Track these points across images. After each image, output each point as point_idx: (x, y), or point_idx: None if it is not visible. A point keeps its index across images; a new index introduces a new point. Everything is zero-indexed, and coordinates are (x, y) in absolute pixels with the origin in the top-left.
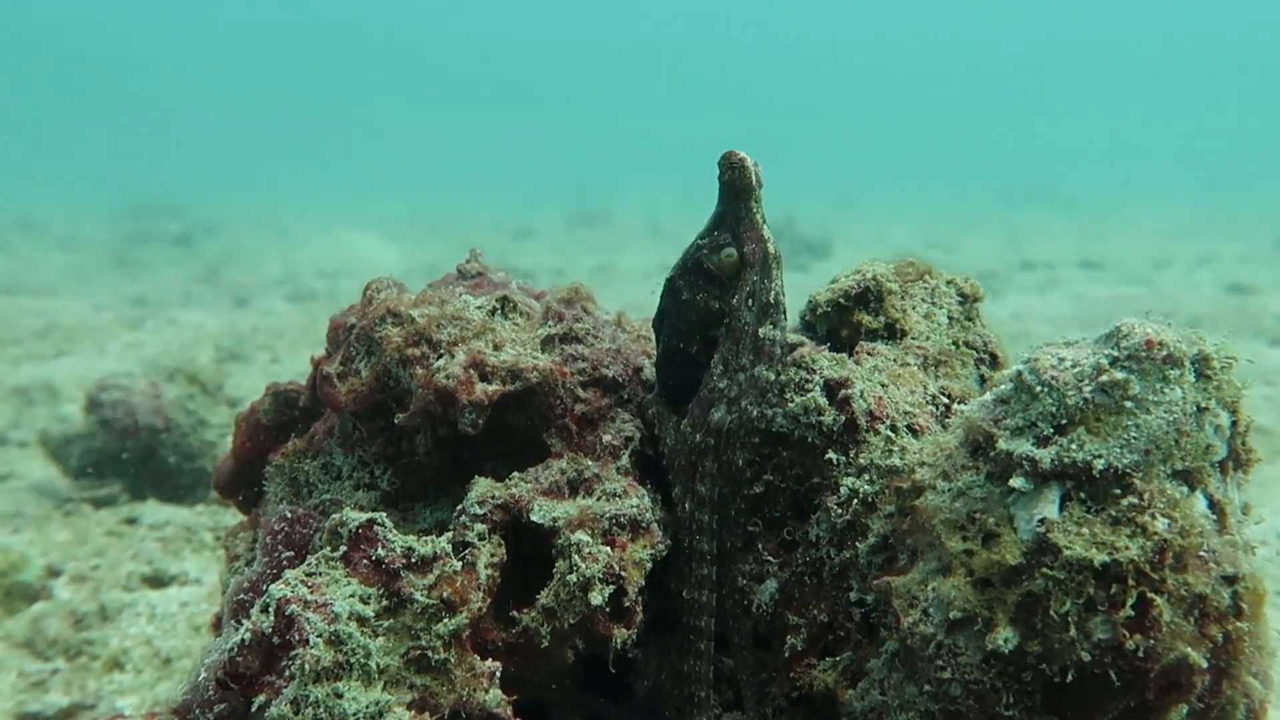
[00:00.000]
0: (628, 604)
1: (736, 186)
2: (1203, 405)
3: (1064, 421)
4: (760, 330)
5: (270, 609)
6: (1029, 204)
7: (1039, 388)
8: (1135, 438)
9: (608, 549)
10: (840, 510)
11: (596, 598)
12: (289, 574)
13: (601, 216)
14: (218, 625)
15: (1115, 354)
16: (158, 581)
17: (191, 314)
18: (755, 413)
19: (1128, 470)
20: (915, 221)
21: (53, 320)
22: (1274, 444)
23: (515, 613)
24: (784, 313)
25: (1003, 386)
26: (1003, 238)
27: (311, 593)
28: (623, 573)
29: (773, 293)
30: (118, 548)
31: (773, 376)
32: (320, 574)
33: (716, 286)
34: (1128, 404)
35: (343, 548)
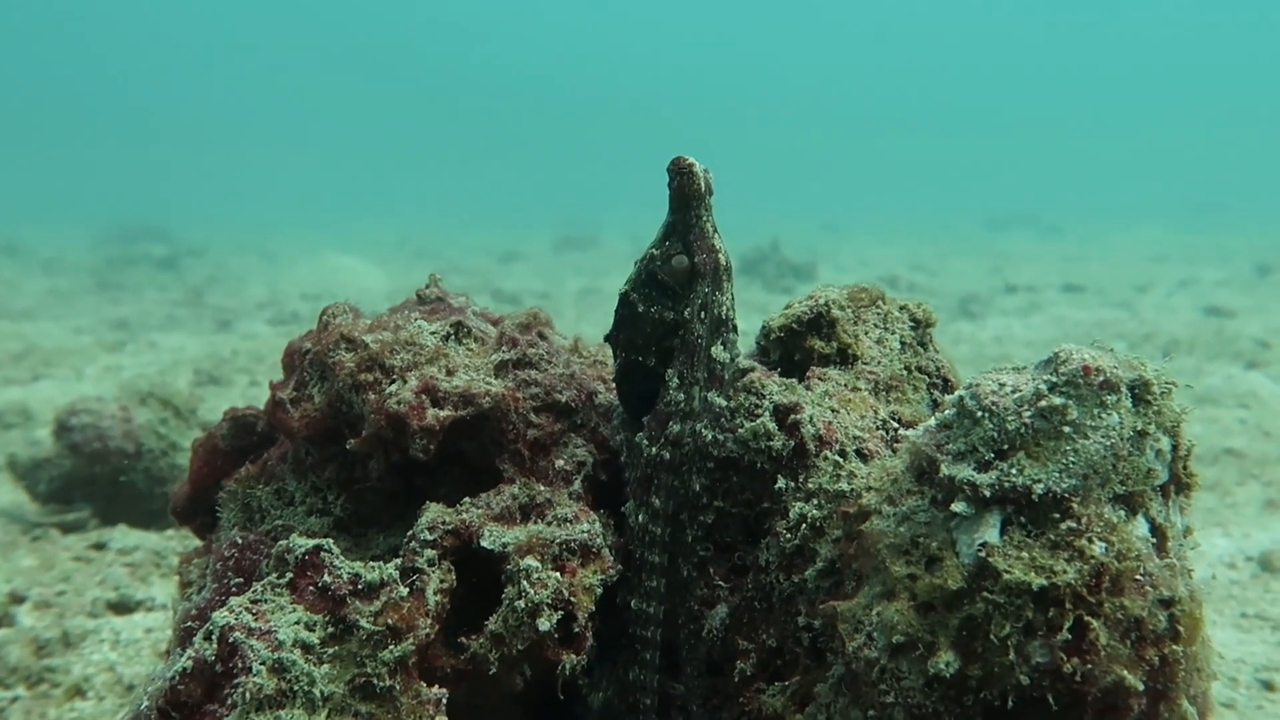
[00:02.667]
0: (577, 629)
1: (685, 193)
2: (1142, 430)
3: (1004, 447)
4: (712, 350)
5: (213, 636)
6: (1014, 228)
7: (980, 413)
8: (1074, 463)
9: (557, 575)
10: (789, 535)
11: (545, 624)
12: (233, 601)
13: (588, 239)
14: (170, 653)
15: (1054, 380)
16: (123, 607)
17: (172, 337)
18: (709, 437)
19: (1066, 495)
20: (900, 245)
21: (31, 343)
22: (1246, 466)
23: (464, 639)
24: (734, 330)
25: (946, 411)
26: (987, 261)
27: (255, 620)
28: (572, 598)
29: (724, 307)
30: (84, 573)
31: (724, 402)
32: (265, 601)
33: (669, 297)
34: (1066, 429)
35: (289, 574)
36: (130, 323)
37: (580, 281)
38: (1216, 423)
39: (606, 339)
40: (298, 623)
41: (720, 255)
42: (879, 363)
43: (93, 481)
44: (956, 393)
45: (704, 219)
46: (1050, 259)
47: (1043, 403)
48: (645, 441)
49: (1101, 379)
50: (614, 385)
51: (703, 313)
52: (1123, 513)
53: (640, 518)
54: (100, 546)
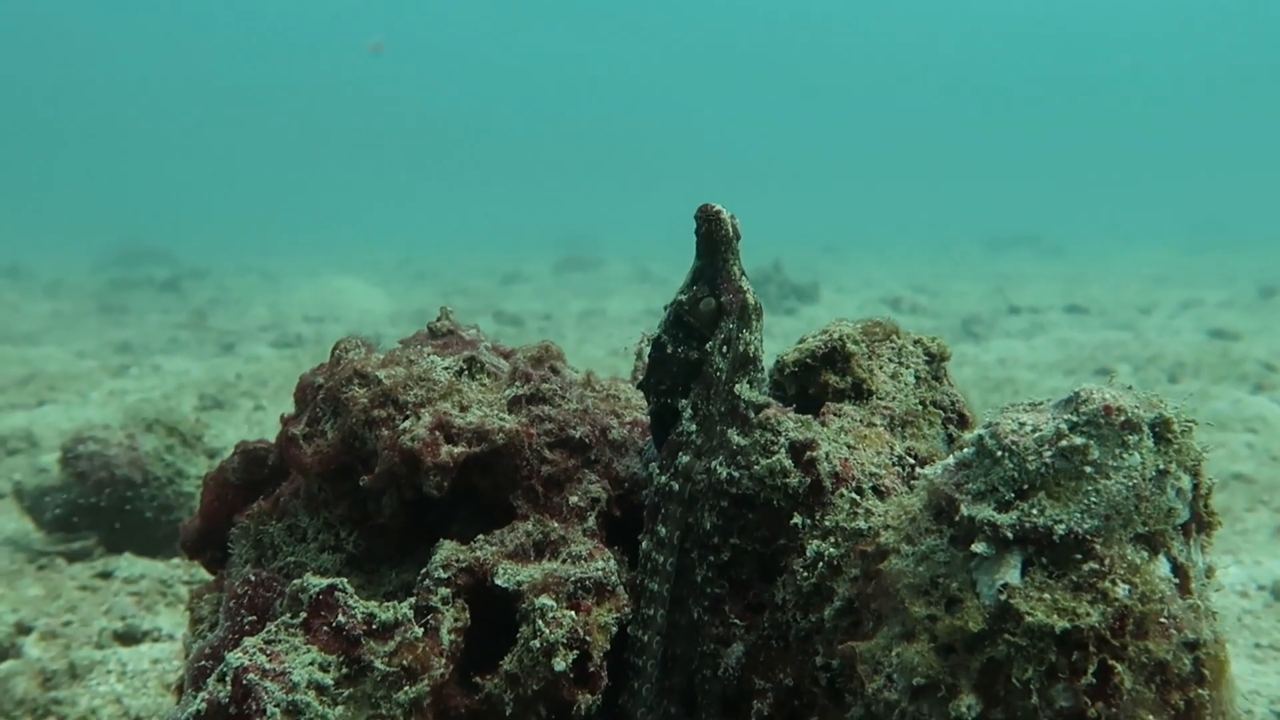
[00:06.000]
0: (592, 669)
1: (713, 239)
2: (1163, 469)
3: (1025, 486)
4: (737, 387)
5: (227, 678)
6: (1015, 249)
7: (1000, 452)
8: (1095, 503)
9: (572, 613)
10: (806, 573)
11: (560, 663)
12: (247, 642)
13: (590, 261)
14: (182, 690)
15: (1075, 419)
16: (130, 638)
17: (176, 361)
18: (724, 474)
19: (1088, 536)
20: (901, 266)
21: (36, 368)
22: (1255, 492)
23: (478, 679)
24: (762, 369)
25: (965, 450)
26: (988, 282)
27: (270, 661)
28: (587, 637)
29: (751, 345)
30: (90, 603)
31: (744, 441)
32: (279, 641)
33: (696, 339)
34: (1087, 469)
35: (303, 614)
36: (133, 346)
37: (582, 303)
38: (1224, 447)
39: (639, 386)
40: (312, 663)
41: (748, 295)
42: (894, 398)
43: (99, 510)
44: (975, 431)
45: (731, 263)
46: (1052, 279)
47: (1064, 442)
48: (655, 470)
49: (1123, 419)
50: (646, 423)
51: (725, 347)
52: (1145, 553)
53: (644, 545)
54: (106, 575)
